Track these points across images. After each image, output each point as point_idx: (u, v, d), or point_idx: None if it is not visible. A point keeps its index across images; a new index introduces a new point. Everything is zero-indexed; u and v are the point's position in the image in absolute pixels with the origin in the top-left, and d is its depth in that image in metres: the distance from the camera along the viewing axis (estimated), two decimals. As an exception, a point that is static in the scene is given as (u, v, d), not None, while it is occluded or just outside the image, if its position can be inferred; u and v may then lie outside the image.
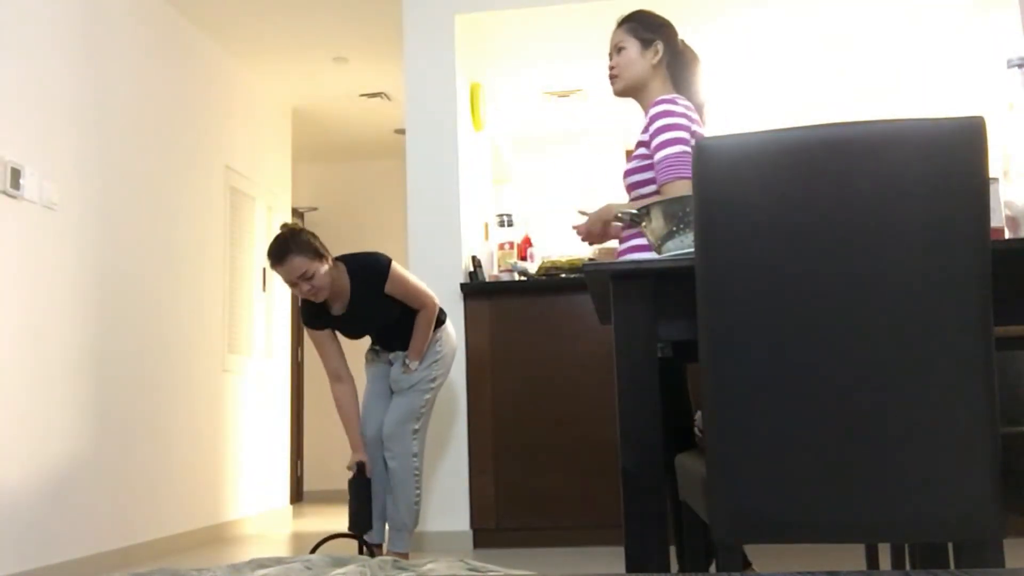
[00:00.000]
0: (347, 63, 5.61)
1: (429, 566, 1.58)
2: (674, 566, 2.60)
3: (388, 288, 3.38)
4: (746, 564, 2.45)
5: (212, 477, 4.86)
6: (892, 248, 1.36)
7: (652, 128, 2.40)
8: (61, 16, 3.80)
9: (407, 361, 3.48)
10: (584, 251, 4.91)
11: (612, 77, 2.58)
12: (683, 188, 2.29)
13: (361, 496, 3.43)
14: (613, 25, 2.61)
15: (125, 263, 4.17)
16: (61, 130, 3.76)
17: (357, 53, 5.48)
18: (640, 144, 2.47)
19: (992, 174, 1.40)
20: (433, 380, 3.55)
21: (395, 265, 3.40)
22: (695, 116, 2.46)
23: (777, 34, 4.99)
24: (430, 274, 4.23)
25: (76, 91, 3.88)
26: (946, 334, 1.35)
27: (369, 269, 3.39)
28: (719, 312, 1.41)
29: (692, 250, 1.57)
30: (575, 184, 6.73)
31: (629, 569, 1.60)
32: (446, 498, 4.09)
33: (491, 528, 4.06)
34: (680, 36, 2.62)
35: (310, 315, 3.47)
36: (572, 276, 4.20)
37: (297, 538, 4.84)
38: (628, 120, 6.39)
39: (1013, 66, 1.84)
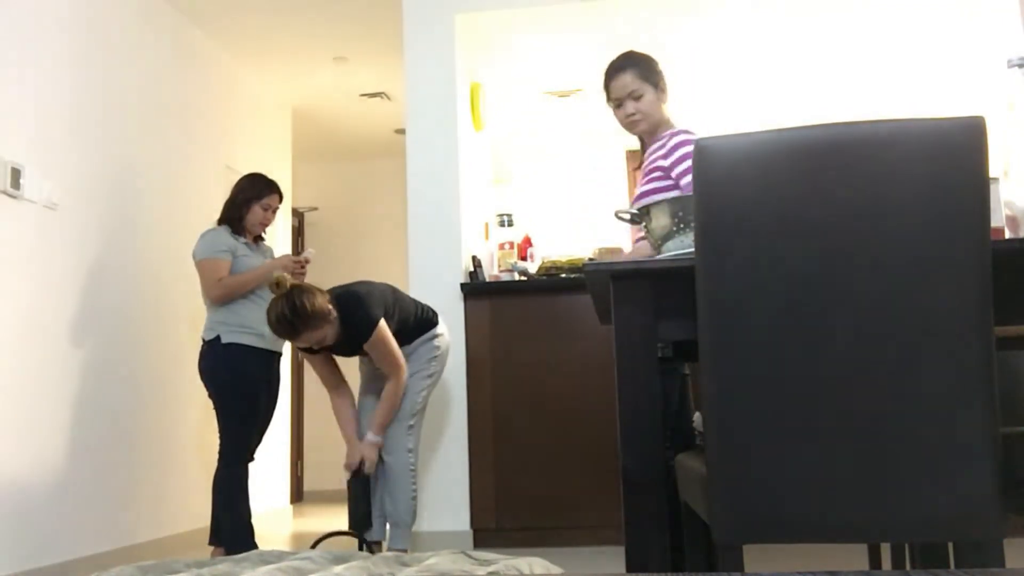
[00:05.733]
0: (347, 63, 5.61)
1: (432, 560, 1.58)
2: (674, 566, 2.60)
3: (367, 347, 3.39)
4: None
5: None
6: (892, 248, 1.36)
7: (675, 155, 2.59)
8: (61, 16, 3.80)
9: (372, 438, 3.46)
10: (584, 251, 4.91)
11: (633, 122, 2.73)
12: None
13: (361, 495, 3.44)
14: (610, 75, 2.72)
15: (125, 263, 4.17)
16: (61, 130, 3.76)
17: (357, 53, 5.47)
18: (657, 168, 2.64)
19: (992, 174, 1.40)
20: (430, 376, 3.57)
21: (381, 327, 3.35)
22: None
23: (778, 34, 4.99)
24: (430, 274, 4.23)
25: (76, 91, 3.88)
26: (946, 334, 1.35)
27: (356, 323, 3.36)
28: (719, 312, 1.41)
29: (692, 250, 1.57)
30: (575, 184, 6.73)
31: (629, 569, 1.60)
32: (446, 498, 4.09)
33: (491, 528, 4.06)
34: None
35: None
36: (572, 276, 4.20)
37: (298, 538, 4.84)
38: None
39: (1013, 66, 1.84)
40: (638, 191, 2.72)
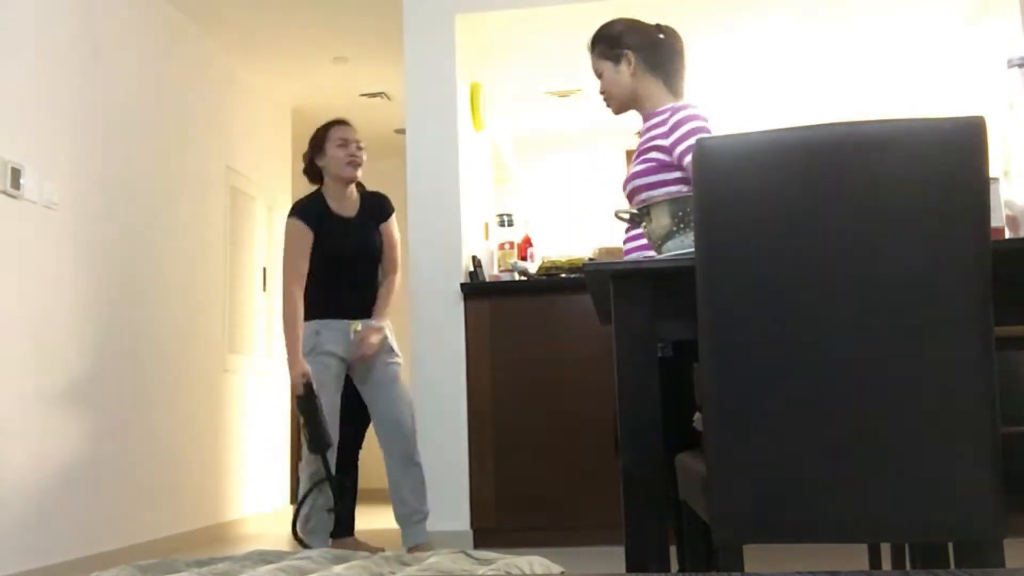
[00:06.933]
0: (347, 63, 5.61)
1: (432, 559, 1.58)
2: (674, 566, 2.60)
3: (384, 227, 3.58)
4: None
5: (212, 477, 4.86)
6: (892, 248, 1.36)
7: (677, 132, 2.36)
8: (61, 16, 3.80)
9: (375, 323, 3.52)
10: (584, 251, 4.91)
11: (605, 102, 2.60)
12: None
13: (316, 416, 3.36)
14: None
15: (125, 263, 4.17)
16: (61, 130, 3.76)
17: (357, 53, 5.47)
18: (655, 148, 2.40)
19: (992, 174, 1.40)
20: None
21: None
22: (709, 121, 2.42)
23: (779, 35, 4.99)
24: (430, 274, 4.23)
25: (76, 91, 3.88)
26: (946, 334, 1.35)
27: (379, 199, 3.68)
28: (719, 311, 1.41)
29: (692, 250, 1.57)
30: (575, 184, 6.73)
31: (629, 569, 1.60)
32: (446, 498, 4.08)
33: (491, 528, 4.06)
34: (650, 24, 2.60)
35: (311, 213, 3.52)
36: (572, 276, 4.20)
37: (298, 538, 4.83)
38: (628, 120, 6.36)
39: (1013, 66, 1.84)
40: (632, 170, 2.47)
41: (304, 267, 3.49)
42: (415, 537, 3.48)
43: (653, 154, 2.40)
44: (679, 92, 2.54)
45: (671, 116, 2.40)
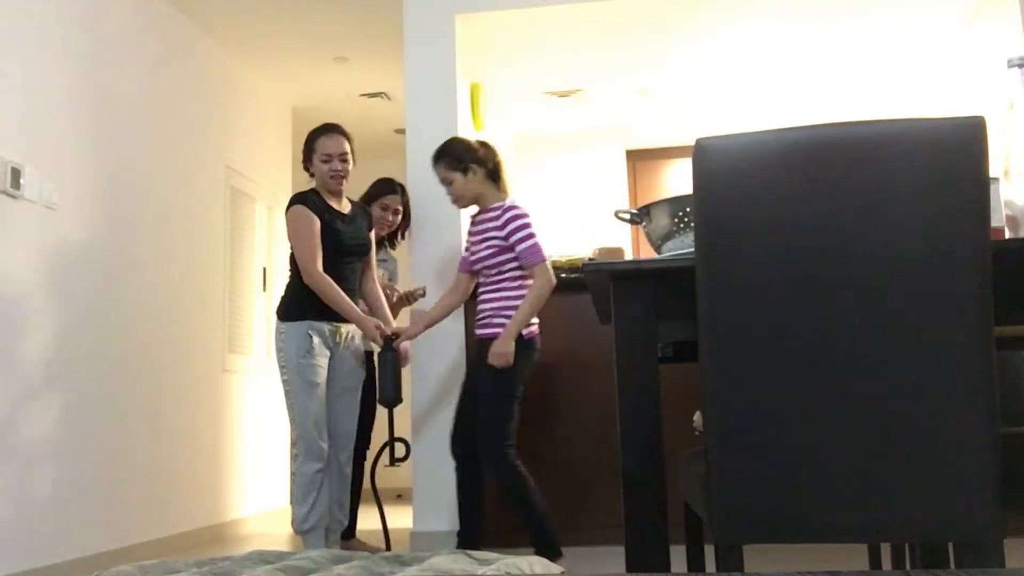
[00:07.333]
0: (347, 63, 5.61)
1: (432, 560, 1.58)
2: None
3: (369, 237, 3.70)
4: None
5: (212, 477, 4.86)
6: (892, 248, 1.36)
7: (509, 227, 3.25)
8: (62, 16, 3.80)
9: (390, 333, 3.52)
10: (584, 251, 4.91)
11: (455, 201, 3.44)
12: (548, 269, 3.24)
13: (388, 369, 3.45)
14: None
15: (125, 263, 4.17)
16: (61, 130, 3.76)
17: (357, 53, 5.47)
18: (493, 237, 3.28)
19: (992, 174, 1.40)
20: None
21: None
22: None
23: (779, 35, 4.99)
24: (430, 274, 4.23)
25: (76, 91, 3.88)
26: (946, 334, 1.35)
27: (365, 209, 3.81)
28: (719, 311, 1.41)
29: (692, 250, 1.57)
30: (575, 184, 6.73)
31: (629, 569, 1.60)
32: (445, 498, 4.08)
33: (491, 528, 4.05)
34: (477, 142, 3.44)
35: (314, 201, 3.53)
36: (572, 276, 4.19)
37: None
38: (628, 121, 6.37)
39: (1013, 66, 1.84)
40: (472, 251, 3.36)
41: (319, 248, 3.45)
42: (316, 542, 3.49)
43: (492, 241, 3.27)
44: (505, 189, 3.39)
45: (503, 214, 3.26)
